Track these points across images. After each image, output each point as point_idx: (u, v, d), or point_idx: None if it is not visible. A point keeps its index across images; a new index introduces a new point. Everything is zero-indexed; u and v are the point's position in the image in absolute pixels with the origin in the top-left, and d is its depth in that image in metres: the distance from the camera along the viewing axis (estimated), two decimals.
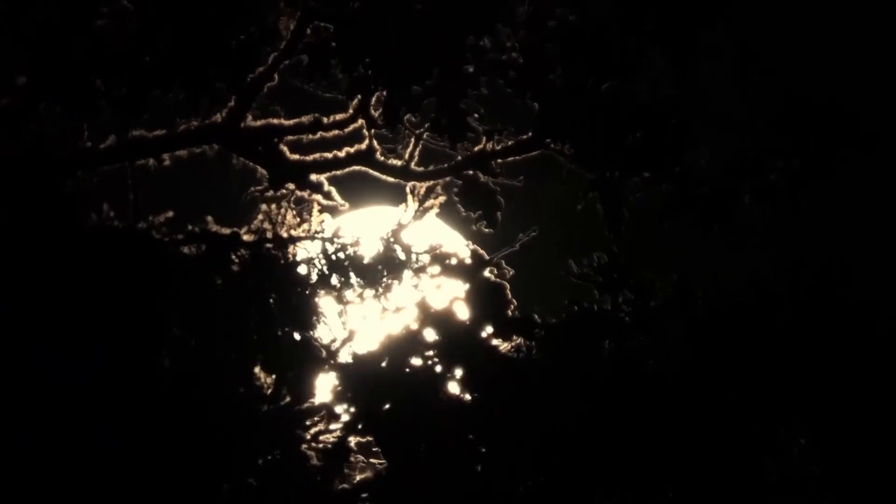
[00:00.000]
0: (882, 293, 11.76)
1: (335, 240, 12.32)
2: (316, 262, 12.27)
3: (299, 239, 12.30)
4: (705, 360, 11.64)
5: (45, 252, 10.99)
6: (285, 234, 12.40)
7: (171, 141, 12.43)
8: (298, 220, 12.56)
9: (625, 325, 11.72)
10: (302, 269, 12.26)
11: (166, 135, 12.37)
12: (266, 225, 12.48)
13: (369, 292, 12.40)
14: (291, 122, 12.64)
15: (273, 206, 12.55)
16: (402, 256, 12.52)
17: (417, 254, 12.50)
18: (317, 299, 12.23)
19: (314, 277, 12.27)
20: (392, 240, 12.62)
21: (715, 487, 11.49)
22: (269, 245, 12.19)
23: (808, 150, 12.05)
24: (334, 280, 12.22)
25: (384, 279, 12.39)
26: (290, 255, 12.21)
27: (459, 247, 12.48)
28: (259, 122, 12.53)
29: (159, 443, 10.93)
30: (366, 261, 12.37)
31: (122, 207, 12.31)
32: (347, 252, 12.27)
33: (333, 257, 12.22)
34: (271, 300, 11.87)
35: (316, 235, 12.29)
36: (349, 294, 12.29)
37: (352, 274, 12.27)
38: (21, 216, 11.13)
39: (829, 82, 11.96)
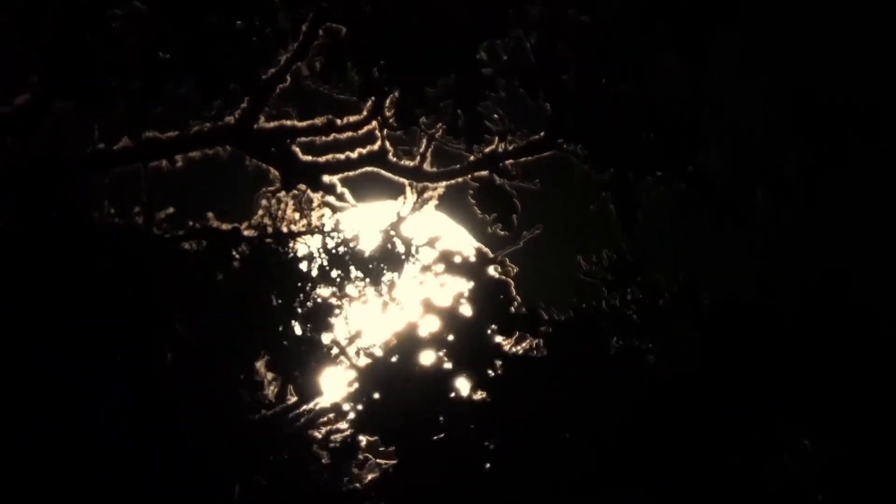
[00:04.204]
0: (887, 298, 11.54)
1: (335, 234, 12.19)
2: (317, 257, 12.15)
3: (300, 234, 12.21)
4: (711, 360, 11.47)
5: (48, 252, 11.07)
6: (285, 230, 12.34)
7: (185, 142, 12.45)
8: (299, 214, 12.51)
9: (633, 324, 11.56)
10: (303, 265, 12.16)
11: (179, 136, 12.40)
12: (267, 220, 12.44)
13: (372, 288, 12.29)
14: (305, 123, 12.63)
15: (273, 201, 12.52)
16: (402, 250, 12.42)
17: (418, 247, 12.39)
18: (319, 295, 12.15)
19: (315, 273, 12.17)
20: (393, 233, 12.55)
21: (718, 487, 11.33)
22: (269, 241, 12.12)
23: (821, 143, 11.83)
24: (335, 275, 12.09)
25: (386, 274, 12.28)
26: (291, 251, 12.10)
27: (466, 245, 12.37)
28: (272, 124, 12.53)
29: (162, 442, 10.97)
30: (367, 255, 12.22)
31: (133, 208, 12.40)
32: (348, 247, 12.14)
33: (334, 252, 12.10)
34: (273, 296, 11.82)
35: (316, 230, 12.18)
36: (351, 289, 12.19)
37: (352, 268, 12.14)
38: (27, 215, 11.23)
39: (840, 78, 11.77)
